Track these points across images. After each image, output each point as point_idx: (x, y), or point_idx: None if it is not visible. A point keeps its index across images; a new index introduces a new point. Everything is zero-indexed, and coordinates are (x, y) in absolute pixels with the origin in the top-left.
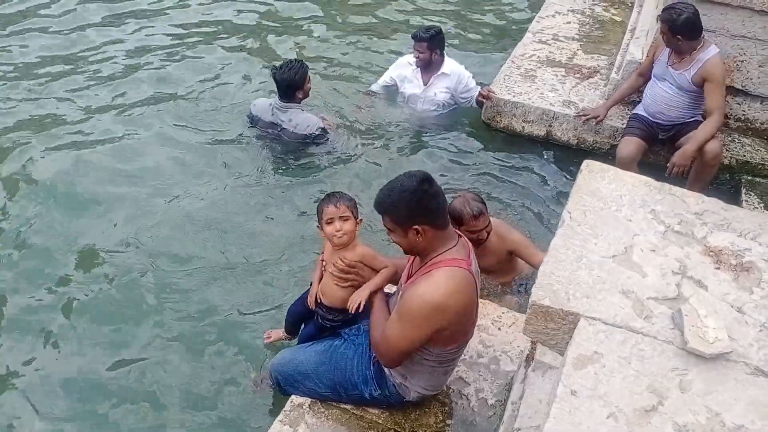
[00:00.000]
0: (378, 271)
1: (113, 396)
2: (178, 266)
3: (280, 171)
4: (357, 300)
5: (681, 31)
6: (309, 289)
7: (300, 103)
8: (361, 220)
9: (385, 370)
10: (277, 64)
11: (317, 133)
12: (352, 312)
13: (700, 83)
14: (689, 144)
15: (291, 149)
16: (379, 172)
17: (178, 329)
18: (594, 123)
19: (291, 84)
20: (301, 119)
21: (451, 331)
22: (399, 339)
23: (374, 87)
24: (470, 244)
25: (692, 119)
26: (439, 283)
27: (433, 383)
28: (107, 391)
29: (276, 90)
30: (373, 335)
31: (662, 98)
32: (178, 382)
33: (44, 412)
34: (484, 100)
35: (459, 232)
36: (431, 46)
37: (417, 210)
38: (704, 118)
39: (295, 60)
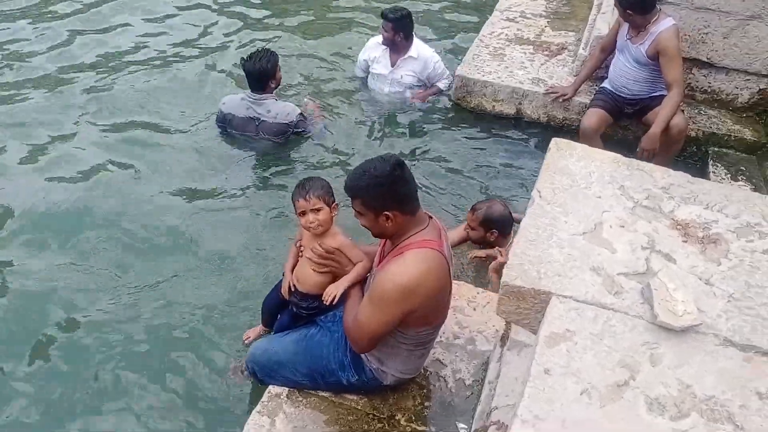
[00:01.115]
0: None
1: (89, 388)
2: (152, 263)
3: (257, 166)
4: (332, 293)
5: (630, 5)
6: (282, 279)
7: (273, 93)
8: (336, 205)
9: (362, 355)
10: (245, 55)
11: (297, 119)
12: (328, 304)
13: (654, 56)
14: (654, 126)
15: (267, 143)
16: (355, 154)
17: (154, 324)
18: (562, 100)
19: (263, 73)
20: (279, 108)
21: (424, 313)
22: (370, 322)
23: (357, 72)
24: (442, 225)
25: (656, 93)
26: (409, 264)
27: (410, 366)
28: (83, 383)
29: (247, 83)
30: (345, 320)
31: (623, 72)
32: (155, 375)
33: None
34: None
35: (430, 214)
36: (395, 28)
37: (388, 195)
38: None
39: (264, 49)
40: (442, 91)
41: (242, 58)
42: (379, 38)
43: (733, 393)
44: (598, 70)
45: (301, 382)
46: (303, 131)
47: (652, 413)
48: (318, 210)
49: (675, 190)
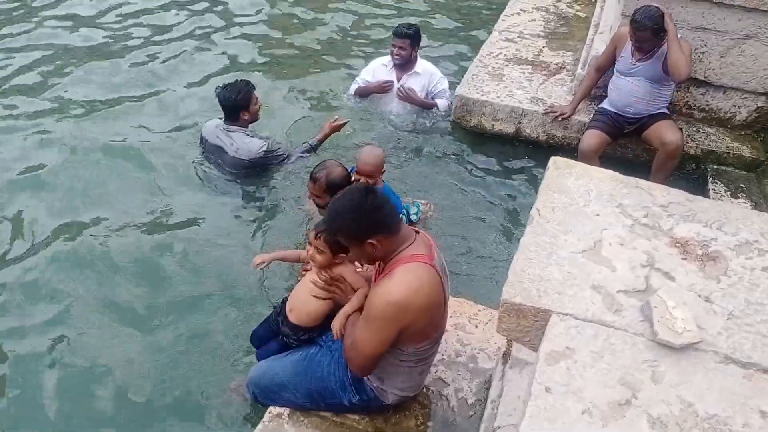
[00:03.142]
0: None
1: (87, 408)
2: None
3: (230, 192)
4: (337, 326)
5: (655, 30)
6: (271, 313)
7: (247, 126)
8: (343, 258)
9: None
10: (221, 84)
11: (260, 156)
12: (338, 338)
13: (668, 69)
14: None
15: (239, 171)
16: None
17: (151, 345)
18: (561, 119)
19: (234, 105)
20: (242, 144)
21: (420, 327)
22: (366, 343)
23: (352, 89)
24: (431, 239)
25: (656, 111)
26: (399, 281)
27: (410, 384)
28: (81, 399)
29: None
30: (345, 344)
31: (630, 92)
32: (154, 395)
33: None
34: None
35: (417, 229)
36: (412, 43)
37: (369, 225)
38: (668, 110)
39: (240, 80)
40: (438, 109)
41: (217, 87)
42: (384, 59)
43: (734, 411)
44: (595, 89)
45: (302, 404)
46: (276, 163)
47: None
48: (320, 251)
49: (674, 208)
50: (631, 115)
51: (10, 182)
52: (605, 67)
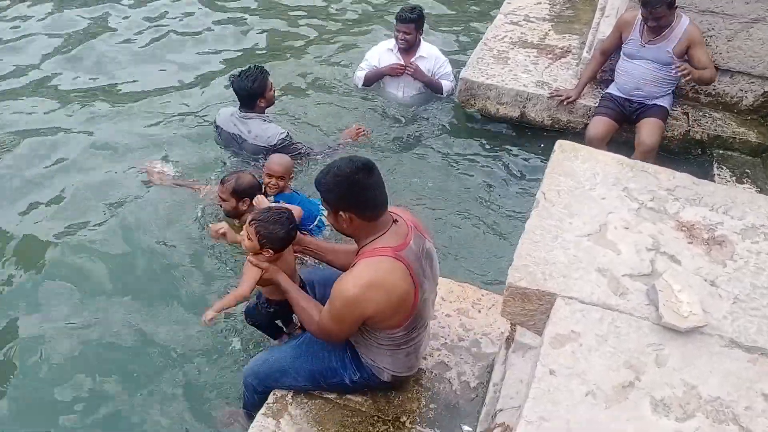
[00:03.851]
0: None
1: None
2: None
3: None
4: (209, 315)
5: (672, 4)
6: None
7: (263, 112)
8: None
9: (359, 353)
10: (237, 71)
11: (279, 144)
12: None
13: (681, 53)
14: (694, 73)
15: (260, 157)
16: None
17: (123, 362)
18: (566, 103)
19: (250, 93)
20: (260, 130)
21: (385, 317)
22: (331, 328)
23: (360, 78)
24: (414, 223)
25: (661, 97)
26: (356, 276)
27: (400, 365)
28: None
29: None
30: (309, 329)
31: (639, 75)
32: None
33: None
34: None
35: (399, 214)
36: (417, 27)
37: (345, 196)
38: (674, 94)
39: (254, 67)
40: (443, 90)
41: (231, 75)
42: (389, 44)
43: (738, 394)
44: (600, 73)
45: (305, 387)
46: (296, 154)
47: (657, 414)
48: (249, 238)
49: (680, 192)
50: (639, 99)
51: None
52: (610, 51)
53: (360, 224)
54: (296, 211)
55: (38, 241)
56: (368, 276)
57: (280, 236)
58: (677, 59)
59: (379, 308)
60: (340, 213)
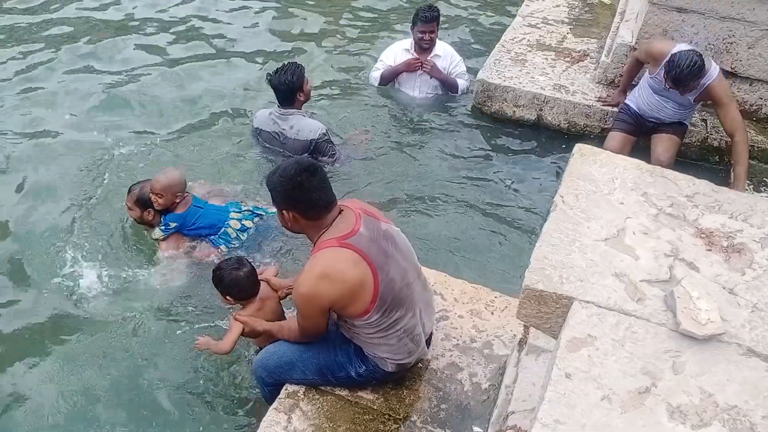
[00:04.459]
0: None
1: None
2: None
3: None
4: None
5: (691, 78)
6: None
7: (301, 108)
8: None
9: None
10: (272, 70)
11: (320, 138)
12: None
13: (703, 100)
14: (737, 185)
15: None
16: (373, 170)
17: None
18: (612, 109)
19: (290, 87)
20: (302, 125)
21: (345, 304)
22: (303, 326)
23: (376, 78)
24: (362, 209)
25: (677, 119)
26: (306, 273)
27: (397, 351)
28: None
29: (275, 98)
30: (295, 341)
31: (659, 107)
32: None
33: None
34: None
35: (343, 207)
36: (438, 25)
37: (290, 197)
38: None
39: (289, 62)
40: (458, 89)
41: (268, 74)
42: (404, 44)
43: (755, 403)
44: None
45: (313, 380)
46: (327, 154)
47: (673, 421)
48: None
49: (699, 199)
50: (655, 122)
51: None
52: (642, 65)
53: (305, 223)
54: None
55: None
56: (316, 270)
57: (225, 282)
58: (695, 104)
59: (335, 297)
60: (284, 212)
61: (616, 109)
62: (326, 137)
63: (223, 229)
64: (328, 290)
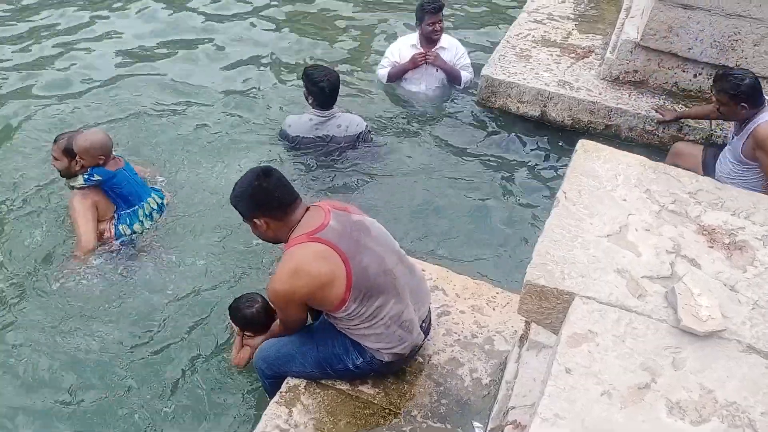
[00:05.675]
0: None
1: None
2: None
3: (322, 177)
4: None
5: (745, 98)
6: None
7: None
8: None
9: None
10: (315, 77)
11: (366, 129)
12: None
13: (750, 155)
14: None
15: (332, 156)
16: (375, 165)
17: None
18: (658, 122)
19: (338, 87)
20: (347, 120)
21: (322, 295)
22: (284, 320)
23: (383, 76)
24: (332, 205)
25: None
26: (279, 271)
27: (388, 340)
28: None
29: (318, 103)
30: (283, 334)
31: (725, 169)
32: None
33: None
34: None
35: (311, 206)
36: (443, 17)
37: (252, 205)
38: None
39: (319, 65)
40: (461, 81)
41: (315, 81)
42: (410, 39)
43: (755, 399)
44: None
45: (312, 373)
46: (369, 140)
47: (672, 417)
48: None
49: (702, 196)
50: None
51: None
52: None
53: (276, 225)
54: None
55: None
56: (287, 267)
57: (247, 319)
58: (748, 162)
59: (308, 291)
60: (255, 221)
61: (658, 116)
62: (368, 127)
63: (137, 207)
64: (300, 285)
